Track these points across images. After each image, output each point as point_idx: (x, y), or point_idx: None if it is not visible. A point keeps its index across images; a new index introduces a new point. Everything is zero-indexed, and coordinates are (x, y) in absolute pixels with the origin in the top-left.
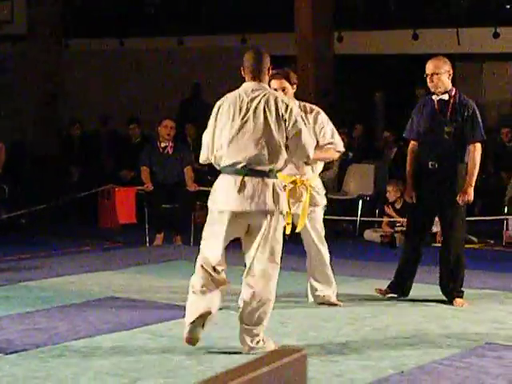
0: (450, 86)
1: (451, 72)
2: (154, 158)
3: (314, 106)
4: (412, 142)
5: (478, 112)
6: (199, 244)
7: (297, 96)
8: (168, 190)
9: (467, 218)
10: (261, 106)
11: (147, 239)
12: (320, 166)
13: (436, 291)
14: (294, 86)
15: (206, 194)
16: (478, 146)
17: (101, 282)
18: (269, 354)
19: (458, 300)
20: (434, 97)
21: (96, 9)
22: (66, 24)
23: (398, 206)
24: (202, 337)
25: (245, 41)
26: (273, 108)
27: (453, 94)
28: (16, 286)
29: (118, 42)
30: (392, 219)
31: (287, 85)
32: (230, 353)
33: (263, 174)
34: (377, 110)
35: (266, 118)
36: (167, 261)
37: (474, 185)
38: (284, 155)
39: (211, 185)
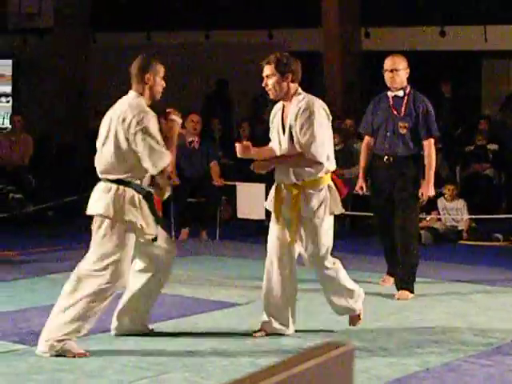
0: (405, 83)
1: (408, 70)
2: (181, 153)
3: (313, 104)
4: (366, 137)
5: (432, 109)
6: (224, 238)
7: (323, 91)
8: (194, 184)
9: (493, 216)
10: None
11: (173, 234)
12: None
13: (460, 288)
14: (287, 76)
15: (232, 189)
16: (432, 141)
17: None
18: (315, 348)
19: (401, 292)
20: (389, 93)
21: (123, 2)
22: (94, 17)
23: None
24: (226, 332)
25: (271, 36)
26: None
27: (407, 91)
28: (42, 278)
29: (144, 35)
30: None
31: (271, 71)
32: (254, 353)
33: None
34: None
35: None
36: (193, 255)
37: (432, 180)
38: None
39: (237, 180)
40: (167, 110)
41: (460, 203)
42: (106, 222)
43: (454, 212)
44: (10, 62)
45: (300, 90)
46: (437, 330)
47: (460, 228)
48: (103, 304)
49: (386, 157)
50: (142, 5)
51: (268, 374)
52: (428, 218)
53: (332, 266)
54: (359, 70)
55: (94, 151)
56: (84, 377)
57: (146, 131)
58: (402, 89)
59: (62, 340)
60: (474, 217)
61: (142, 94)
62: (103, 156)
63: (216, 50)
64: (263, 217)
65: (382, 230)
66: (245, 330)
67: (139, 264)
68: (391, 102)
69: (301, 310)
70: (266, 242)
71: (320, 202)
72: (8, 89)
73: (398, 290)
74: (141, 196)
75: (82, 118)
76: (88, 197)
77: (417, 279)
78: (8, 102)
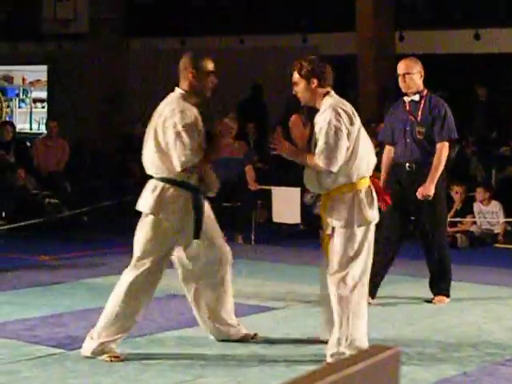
0: (421, 86)
1: (422, 72)
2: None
3: (334, 110)
4: (387, 147)
5: (448, 112)
6: (260, 243)
7: (357, 95)
8: (229, 188)
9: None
10: None
11: None
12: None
13: (496, 292)
14: (313, 81)
15: (267, 193)
16: (446, 144)
17: (163, 279)
18: (363, 352)
19: (438, 297)
20: (405, 98)
21: (158, 8)
22: (128, 23)
23: (458, 207)
24: (264, 335)
25: (305, 40)
26: None
27: (424, 94)
28: (78, 283)
29: (179, 40)
30: (454, 219)
31: (297, 78)
32: (291, 357)
33: None
34: None
35: None
36: None
37: (435, 182)
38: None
39: (272, 184)
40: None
41: (496, 206)
42: (150, 218)
43: (490, 215)
44: (45, 67)
45: (330, 94)
46: (473, 334)
47: (496, 231)
48: (140, 303)
49: (408, 164)
50: (176, 10)
51: (316, 377)
52: (463, 222)
53: (344, 293)
54: (394, 73)
55: (129, 156)
56: (121, 381)
57: (176, 126)
58: (417, 93)
59: (104, 342)
60: (510, 220)
61: (186, 91)
62: (147, 154)
63: (251, 54)
64: (298, 221)
65: (386, 242)
66: (282, 334)
67: (197, 271)
68: (408, 107)
69: None
70: (300, 245)
71: (344, 212)
72: (44, 94)
73: (435, 295)
74: (189, 195)
75: (117, 123)
76: (122, 202)
77: (452, 283)
78: (43, 107)
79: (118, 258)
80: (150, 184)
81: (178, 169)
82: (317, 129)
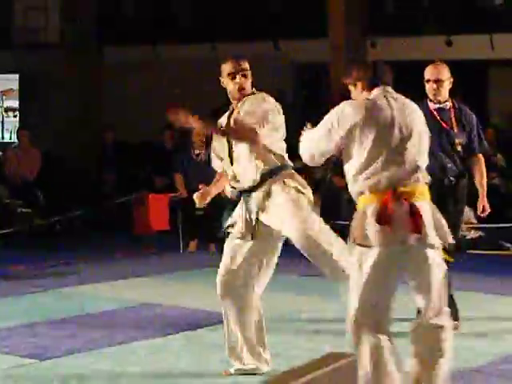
0: (447, 94)
1: (451, 80)
2: (188, 165)
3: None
4: None
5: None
6: None
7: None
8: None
9: (502, 225)
10: None
11: (181, 246)
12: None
13: (470, 297)
14: (357, 84)
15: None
16: (481, 156)
17: (135, 288)
18: (321, 359)
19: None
20: (430, 104)
21: (131, 16)
22: (100, 31)
23: None
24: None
25: (277, 47)
26: None
27: (452, 101)
28: (50, 292)
29: (150, 49)
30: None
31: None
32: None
33: None
34: None
35: None
36: (201, 268)
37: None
38: None
39: None
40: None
41: (467, 213)
42: None
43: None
44: (16, 76)
45: (370, 94)
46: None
47: (468, 237)
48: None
49: (449, 178)
50: (149, 18)
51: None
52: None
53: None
54: None
55: (104, 165)
56: None
57: None
58: (446, 101)
59: None
60: (481, 226)
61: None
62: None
63: (223, 61)
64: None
65: None
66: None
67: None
68: (438, 117)
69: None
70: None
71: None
72: (15, 103)
73: None
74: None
75: (89, 132)
76: (95, 210)
77: None
78: (15, 116)
79: (91, 267)
80: None
81: None
82: None
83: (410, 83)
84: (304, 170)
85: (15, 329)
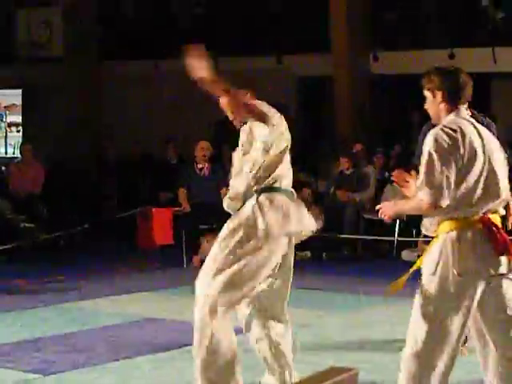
0: None
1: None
2: (192, 180)
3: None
4: None
5: None
6: None
7: (333, 116)
8: (205, 211)
9: None
10: None
11: (184, 260)
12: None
13: None
14: (436, 94)
15: None
16: None
17: (138, 303)
18: (323, 372)
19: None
20: None
21: (132, 32)
22: (103, 46)
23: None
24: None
25: (280, 62)
26: None
27: (473, 114)
28: (54, 307)
29: (153, 64)
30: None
31: (425, 93)
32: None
33: None
34: (414, 130)
35: None
36: None
37: None
38: None
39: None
40: None
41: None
42: None
43: None
44: (19, 91)
45: (455, 113)
46: None
47: None
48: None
49: None
50: (151, 34)
51: None
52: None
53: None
54: (369, 93)
55: (107, 179)
56: None
57: None
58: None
59: None
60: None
61: None
62: None
63: (226, 76)
64: None
65: None
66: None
67: None
68: None
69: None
70: None
71: (433, 258)
72: (18, 118)
73: None
74: None
75: (94, 146)
76: (99, 224)
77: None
78: (19, 131)
79: (94, 281)
80: None
81: None
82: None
83: (413, 97)
84: (306, 184)
85: (18, 344)
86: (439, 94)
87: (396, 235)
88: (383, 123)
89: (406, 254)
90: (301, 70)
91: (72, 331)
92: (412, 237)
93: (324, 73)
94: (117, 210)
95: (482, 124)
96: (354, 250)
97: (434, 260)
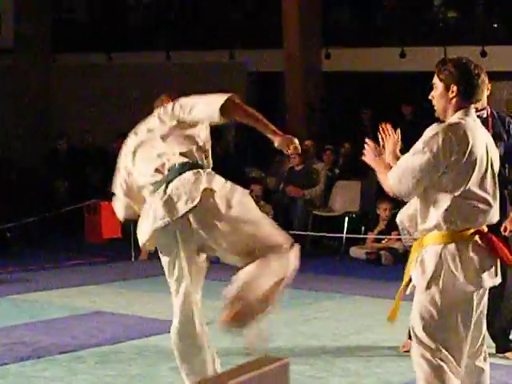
0: (486, 102)
1: (489, 86)
2: None
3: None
4: None
5: None
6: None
7: (285, 112)
8: None
9: None
10: None
11: (133, 254)
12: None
13: None
14: (451, 88)
15: None
16: None
17: (86, 296)
18: (252, 362)
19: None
20: None
21: (85, 23)
22: (55, 38)
23: (384, 225)
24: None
25: (233, 57)
26: None
27: (489, 111)
28: (1, 299)
29: (105, 56)
30: (379, 236)
31: (435, 79)
32: None
33: None
34: (364, 128)
35: None
36: (152, 276)
37: None
38: None
39: None
40: None
41: None
42: None
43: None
44: None
45: (463, 111)
46: (397, 350)
47: None
48: None
49: None
50: (103, 25)
51: None
52: (388, 239)
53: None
54: (320, 90)
55: (55, 172)
56: None
57: None
58: (483, 109)
59: None
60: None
61: None
62: None
63: (177, 70)
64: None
65: None
66: None
67: None
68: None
69: None
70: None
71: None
72: None
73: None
74: None
75: (42, 139)
76: (46, 218)
77: (378, 300)
78: None
79: (42, 274)
80: None
81: None
82: None
83: (363, 94)
84: (258, 180)
85: None
86: (454, 88)
87: (345, 232)
88: (334, 120)
89: (354, 251)
90: (253, 65)
91: (18, 324)
92: (361, 234)
93: (276, 69)
94: (67, 203)
95: (504, 120)
96: (303, 246)
97: (430, 274)
